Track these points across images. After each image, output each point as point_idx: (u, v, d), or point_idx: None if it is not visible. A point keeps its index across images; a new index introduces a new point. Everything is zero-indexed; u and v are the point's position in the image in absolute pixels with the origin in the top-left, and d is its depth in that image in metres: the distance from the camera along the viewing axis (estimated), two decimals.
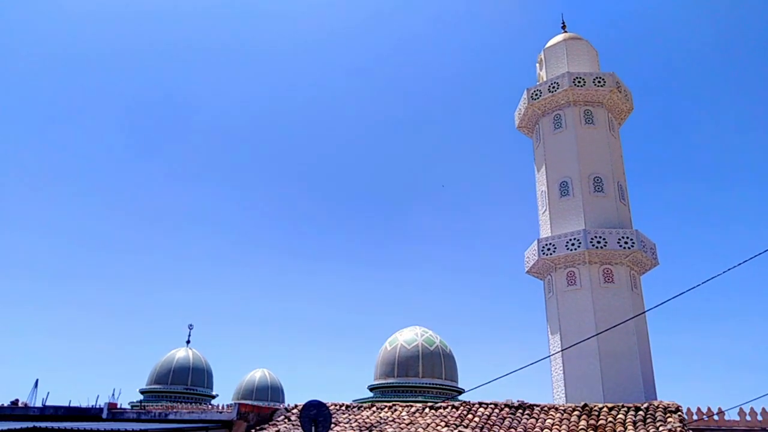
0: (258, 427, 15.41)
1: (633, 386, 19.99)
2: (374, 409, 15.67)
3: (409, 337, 35.61)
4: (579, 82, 24.50)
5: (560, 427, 12.76)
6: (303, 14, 70.74)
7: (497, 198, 73.59)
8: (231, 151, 76.32)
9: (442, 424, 13.60)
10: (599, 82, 24.56)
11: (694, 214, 65.85)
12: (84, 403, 21.55)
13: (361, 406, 16.05)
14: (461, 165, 75.13)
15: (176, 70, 73.68)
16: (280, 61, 74.00)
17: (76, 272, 72.08)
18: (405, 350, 34.72)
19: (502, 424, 13.25)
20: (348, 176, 77.05)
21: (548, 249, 22.50)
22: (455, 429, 12.90)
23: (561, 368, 21.45)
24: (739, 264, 11.25)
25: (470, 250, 73.55)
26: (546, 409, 14.10)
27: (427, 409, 15.02)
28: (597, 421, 12.91)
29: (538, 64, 28.11)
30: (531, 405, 14.34)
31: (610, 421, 12.79)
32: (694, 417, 16.73)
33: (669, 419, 12.37)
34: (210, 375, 42.08)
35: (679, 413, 12.87)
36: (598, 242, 21.68)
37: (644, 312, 21.14)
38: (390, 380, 34.11)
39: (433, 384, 33.90)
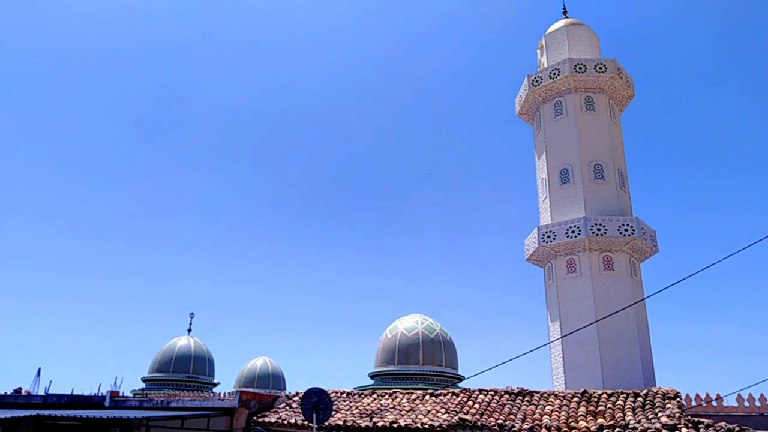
0: (260, 415, 15.53)
1: (632, 373, 20.09)
2: (375, 396, 15.78)
3: (409, 324, 35.71)
4: (580, 68, 24.34)
5: (559, 413, 12.85)
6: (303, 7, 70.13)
7: (497, 185, 73.45)
8: (232, 141, 76.19)
9: (443, 410, 13.68)
10: (600, 68, 24.39)
11: (695, 201, 65.79)
12: (87, 392, 21.69)
13: (362, 394, 16.16)
14: (461, 152, 75.01)
15: (179, 62, 73.34)
16: (283, 54, 73.69)
17: (78, 262, 72.27)
18: (405, 338, 34.83)
19: (501, 410, 13.33)
20: (348, 165, 76.97)
21: (548, 236, 22.51)
22: (455, 416, 12.98)
23: (561, 355, 21.55)
24: (739, 251, 11.27)
25: (470, 237, 73.55)
26: (546, 395, 14.18)
27: (427, 396, 15.12)
28: (596, 408, 12.99)
29: (539, 50, 27.91)
30: (531, 392, 14.43)
31: (609, 408, 12.87)
32: (693, 403, 16.84)
33: (668, 405, 12.45)
34: (211, 363, 42.31)
35: (678, 399, 12.96)
36: (599, 229, 21.68)
37: (644, 299, 21.20)
38: (390, 368, 34.25)
39: (433, 371, 34.03)
